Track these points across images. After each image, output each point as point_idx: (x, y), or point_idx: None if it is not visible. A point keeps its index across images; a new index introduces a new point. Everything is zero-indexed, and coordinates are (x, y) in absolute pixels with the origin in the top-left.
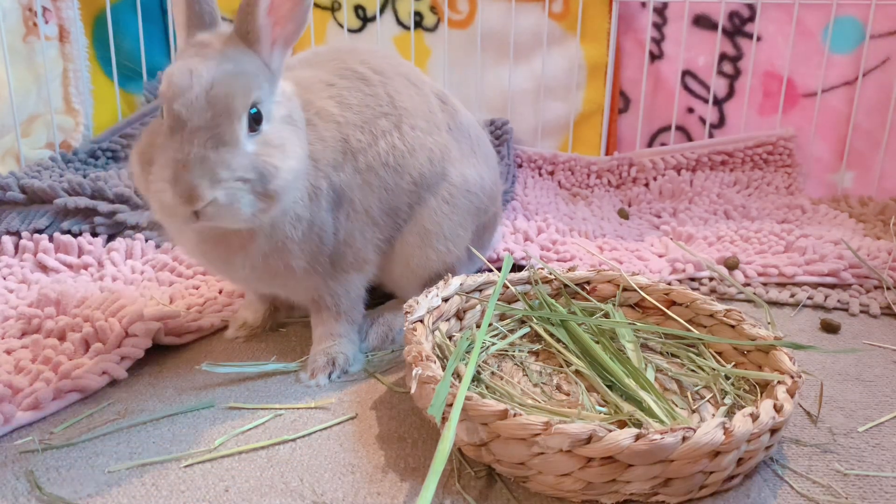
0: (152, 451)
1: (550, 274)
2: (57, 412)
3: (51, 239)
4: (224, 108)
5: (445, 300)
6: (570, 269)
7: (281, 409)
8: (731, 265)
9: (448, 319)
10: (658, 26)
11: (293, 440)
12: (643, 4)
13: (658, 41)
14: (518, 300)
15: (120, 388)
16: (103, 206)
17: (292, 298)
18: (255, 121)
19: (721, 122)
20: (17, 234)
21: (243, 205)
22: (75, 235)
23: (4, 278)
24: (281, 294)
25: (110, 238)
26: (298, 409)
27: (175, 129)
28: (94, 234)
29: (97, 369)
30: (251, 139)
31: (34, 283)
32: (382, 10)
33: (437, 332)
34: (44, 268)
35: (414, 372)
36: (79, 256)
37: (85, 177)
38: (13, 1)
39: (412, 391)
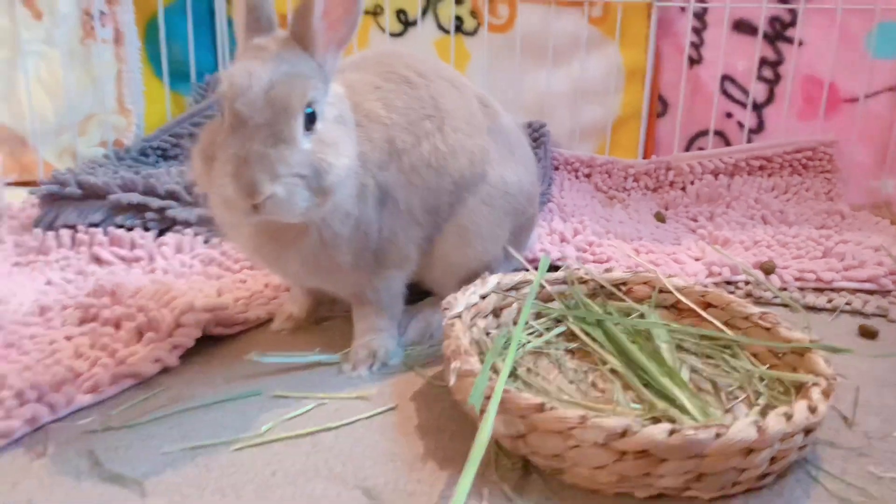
0: (203, 435)
1: (587, 274)
2: (114, 396)
3: (105, 233)
4: (282, 108)
5: (483, 297)
6: (606, 271)
7: (324, 398)
8: (768, 269)
9: (485, 316)
10: (697, 31)
11: (336, 428)
12: (682, 9)
13: (697, 46)
14: (554, 300)
15: (172, 375)
16: (154, 203)
17: (337, 293)
18: (310, 120)
19: (760, 127)
20: (74, 228)
21: (299, 199)
22: (128, 230)
23: (62, 269)
24: (326, 289)
25: (161, 233)
26: (341, 398)
27: (236, 128)
28: (146, 229)
29: (151, 357)
30: (307, 137)
31: (90, 274)
32: (424, 14)
33: (474, 329)
34: (98, 260)
35: (453, 365)
36: (131, 250)
37: (137, 174)
38: (73, 6)
39: (451, 384)
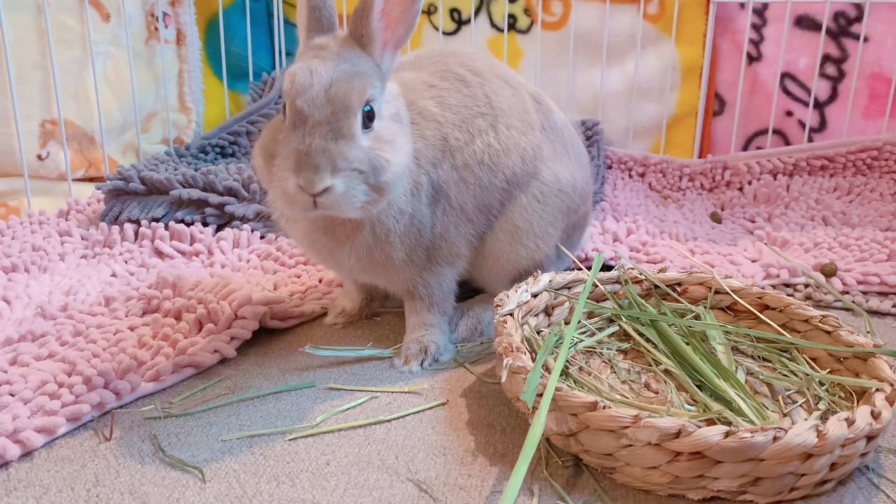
0: (260, 424)
1: (640, 274)
2: (174, 385)
3: (166, 227)
4: (342, 105)
5: (534, 296)
6: (660, 271)
7: (377, 391)
8: (829, 272)
9: (536, 315)
10: (757, 27)
11: (388, 421)
12: (742, 5)
13: (756, 42)
14: (606, 299)
15: (230, 365)
16: (214, 198)
17: (389, 289)
18: (369, 118)
19: (822, 126)
20: (137, 223)
21: (357, 193)
22: (188, 225)
23: (126, 262)
24: (380, 284)
25: (219, 228)
26: (393, 392)
27: (297, 124)
28: (205, 224)
29: (210, 347)
30: (365, 134)
31: (152, 267)
32: (477, 12)
33: (525, 327)
34: (160, 254)
35: (505, 362)
36: (191, 244)
37: (196, 170)
38: (137, 7)
39: (502, 381)
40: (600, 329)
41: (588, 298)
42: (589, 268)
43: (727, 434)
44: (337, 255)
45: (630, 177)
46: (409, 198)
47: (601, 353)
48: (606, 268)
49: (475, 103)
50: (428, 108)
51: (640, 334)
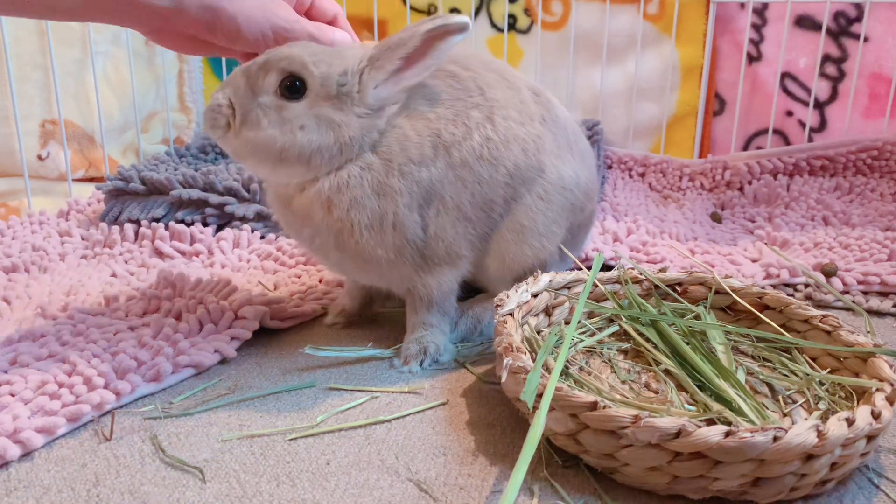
0: (260, 424)
1: (640, 274)
2: (174, 385)
3: (166, 227)
4: (261, 64)
5: (535, 296)
6: (660, 271)
7: (377, 391)
8: (829, 272)
9: (537, 315)
10: (757, 27)
11: (388, 421)
12: (742, 5)
13: (756, 42)
14: (607, 299)
15: (230, 366)
16: (214, 199)
17: (389, 288)
18: (293, 90)
19: (822, 126)
20: (137, 223)
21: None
22: (188, 225)
23: (126, 262)
24: (379, 284)
25: (219, 228)
26: (393, 392)
27: None
28: (205, 224)
29: (210, 347)
30: (280, 100)
31: (152, 267)
32: (477, 13)
33: (525, 326)
34: (160, 254)
35: (505, 362)
36: (191, 244)
37: (196, 170)
38: None
39: (502, 381)
40: (600, 329)
41: (588, 298)
42: (589, 268)
43: (727, 434)
44: (304, 234)
45: (630, 177)
46: (371, 194)
47: (601, 353)
48: (607, 268)
49: (468, 95)
50: (416, 108)
51: (641, 334)
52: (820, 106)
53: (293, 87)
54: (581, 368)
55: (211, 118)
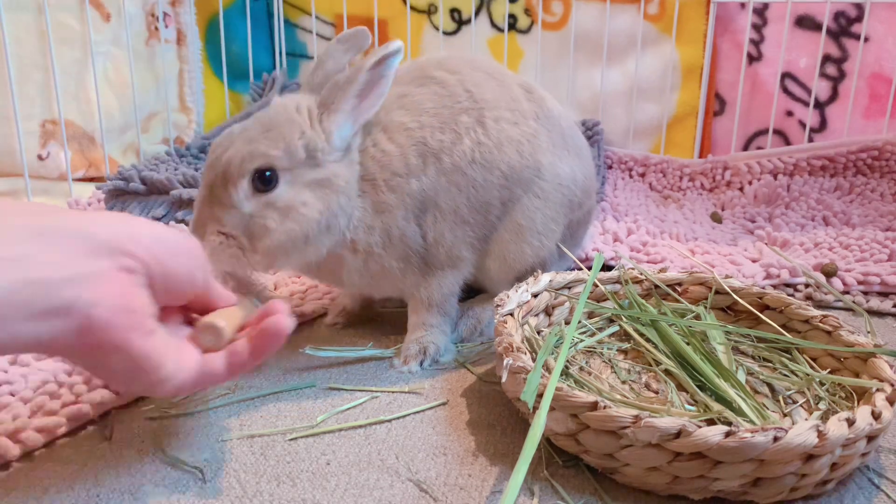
0: (260, 424)
1: (641, 274)
2: None
3: None
4: (222, 173)
5: (535, 296)
6: (660, 271)
7: (377, 391)
8: (829, 272)
9: (537, 315)
10: (757, 27)
11: (389, 421)
12: (742, 5)
13: (757, 43)
14: (607, 299)
15: None
16: None
17: (401, 296)
18: (264, 182)
19: (822, 126)
20: None
21: (222, 256)
22: (188, 225)
23: None
24: (392, 295)
25: None
26: (393, 392)
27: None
28: None
29: None
30: (255, 199)
31: None
32: (477, 13)
33: (526, 326)
34: None
35: (505, 362)
36: None
37: (196, 170)
38: (138, 7)
39: (502, 381)
40: (600, 329)
41: (588, 298)
42: (589, 268)
43: (727, 434)
44: (336, 276)
45: (630, 177)
46: (375, 214)
47: (601, 353)
48: (607, 268)
49: (455, 101)
50: (394, 119)
51: (641, 334)
52: (820, 106)
53: (264, 178)
54: (581, 368)
55: (225, 258)
